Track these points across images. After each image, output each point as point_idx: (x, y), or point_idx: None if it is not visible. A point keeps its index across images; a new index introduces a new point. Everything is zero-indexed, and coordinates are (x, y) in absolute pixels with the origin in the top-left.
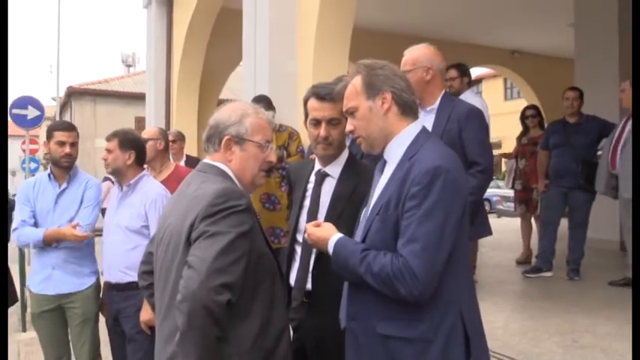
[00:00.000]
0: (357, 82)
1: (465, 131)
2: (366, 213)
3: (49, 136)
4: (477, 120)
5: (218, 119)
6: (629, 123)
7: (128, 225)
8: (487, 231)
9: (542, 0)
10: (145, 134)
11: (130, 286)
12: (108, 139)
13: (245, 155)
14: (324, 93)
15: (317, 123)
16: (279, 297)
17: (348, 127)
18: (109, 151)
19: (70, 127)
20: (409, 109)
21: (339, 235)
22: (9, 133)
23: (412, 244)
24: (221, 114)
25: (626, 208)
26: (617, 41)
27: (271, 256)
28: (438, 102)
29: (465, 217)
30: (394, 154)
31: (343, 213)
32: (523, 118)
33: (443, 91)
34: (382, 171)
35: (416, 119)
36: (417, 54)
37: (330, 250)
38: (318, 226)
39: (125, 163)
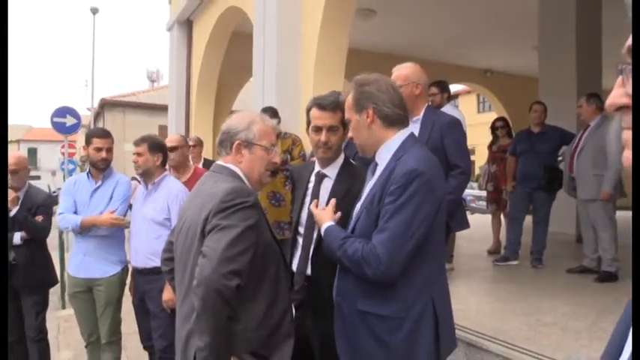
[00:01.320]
0: (350, 98)
1: (446, 138)
2: (357, 207)
3: (88, 141)
4: (457, 128)
5: (229, 126)
6: (586, 133)
7: (153, 217)
8: (465, 225)
9: (511, 27)
10: (172, 142)
11: (154, 271)
12: (136, 143)
13: (253, 157)
14: (325, 104)
15: (318, 130)
16: (282, 281)
17: (349, 134)
18: (139, 154)
19: (107, 135)
20: (392, 121)
21: (330, 223)
22: (50, 139)
23: (381, 234)
24: (231, 122)
25: (582, 206)
26: (575, 62)
27: (276, 246)
28: (422, 113)
29: (440, 214)
30: (383, 157)
31: (338, 208)
32: (493, 128)
33: (426, 104)
34: (374, 172)
35: (403, 128)
36: (407, 72)
37: (322, 233)
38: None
39: (154, 164)
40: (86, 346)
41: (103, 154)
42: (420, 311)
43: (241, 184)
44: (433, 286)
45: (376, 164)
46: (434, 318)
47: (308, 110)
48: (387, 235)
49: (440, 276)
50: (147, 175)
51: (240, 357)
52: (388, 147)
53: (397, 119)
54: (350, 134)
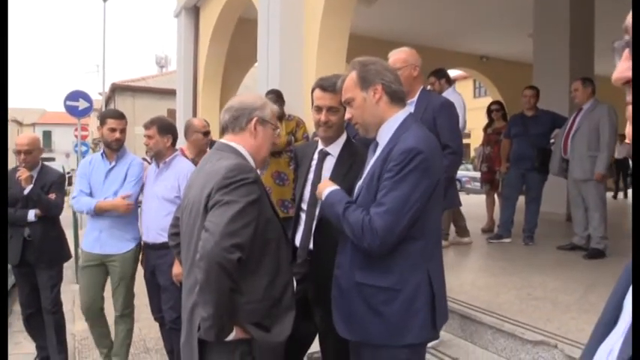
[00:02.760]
0: (352, 76)
1: (438, 119)
2: (358, 185)
3: (103, 122)
4: (449, 110)
5: (245, 103)
6: (579, 116)
7: (164, 195)
8: (457, 203)
9: (507, 15)
10: (206, 127)
11: (164, 246)
12: (146, 126)
13: (265, 135)
14: (327, 85)
15: (319, 109)
16: (283, 255)
17: (347, 115)
18: (149, 137)
19: (121, 116)
20: (398, 98)
21: (336, 187)
22: (63, 122)
23: (379, 207)
24: (246, 99)
25: (574, 185)
26: (568, 49)
27: (277, 222)
28: (417, 95)
29: (438, 191)
30: (384, 136)
31: (340, 185)
32: (489, 111)
33: (422, 87)
34: (375, 151)
35: (404, 107)
36: (405, 55)
37: (324, 196)
38: None
39: (165, 145)
40: (87, 320)
41: (117, 134)
42: (416, 284)
43: (243, 161)
44: (429, 261)
45: (377, 144)
46: (430, 291)
47: (312, 90)
48: (383, 210)
49: (436, 250)
50: (158, 156)
51: (243, 327)
52: (390, 125)
53: (401, 96)
54: (348, 115)
